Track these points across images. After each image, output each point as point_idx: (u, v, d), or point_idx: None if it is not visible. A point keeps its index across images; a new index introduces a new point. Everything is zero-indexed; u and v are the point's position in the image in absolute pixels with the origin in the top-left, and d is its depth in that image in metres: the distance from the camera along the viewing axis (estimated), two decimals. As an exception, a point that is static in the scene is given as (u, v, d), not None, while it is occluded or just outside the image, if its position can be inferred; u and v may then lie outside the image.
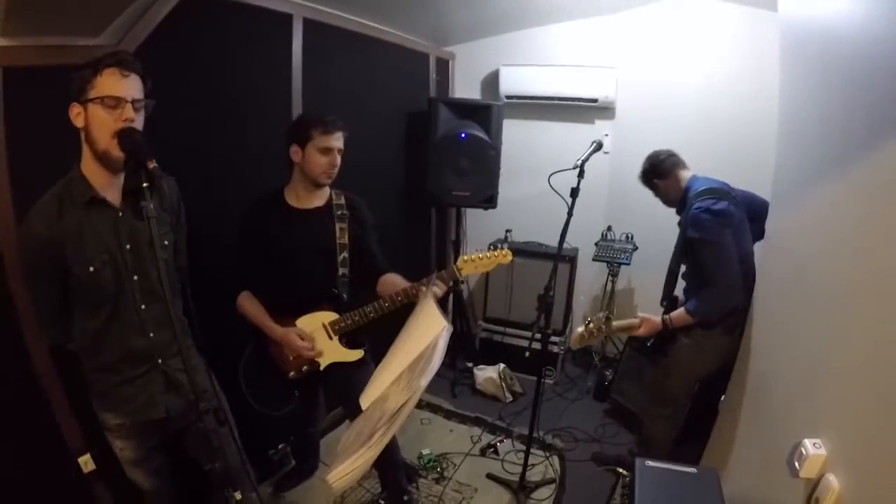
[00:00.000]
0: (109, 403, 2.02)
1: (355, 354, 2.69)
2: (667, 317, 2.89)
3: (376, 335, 2.72)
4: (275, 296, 2.64)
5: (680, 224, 3.00)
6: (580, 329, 2.87)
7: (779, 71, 2.65)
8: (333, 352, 2.66)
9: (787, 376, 2.26)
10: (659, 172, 3.08)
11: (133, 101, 1.74)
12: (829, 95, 2.07)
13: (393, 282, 2.66)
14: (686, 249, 2.90)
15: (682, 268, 3.08)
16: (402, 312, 2.50)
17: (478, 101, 4.75)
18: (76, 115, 1.73)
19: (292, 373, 2.65)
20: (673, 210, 3.14)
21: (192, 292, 1.86)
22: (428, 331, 1.83)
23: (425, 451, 3.65)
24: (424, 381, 1.47)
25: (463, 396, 4.49)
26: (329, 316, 2.64)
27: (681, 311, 2.85)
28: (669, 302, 3.09)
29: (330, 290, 2.66)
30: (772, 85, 2.77)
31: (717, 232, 2.76)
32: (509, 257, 2.61)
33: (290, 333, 2.56)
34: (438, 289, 2.45)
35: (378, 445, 1.45)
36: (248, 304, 2.60)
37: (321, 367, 2.66)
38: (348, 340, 2.69)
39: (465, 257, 2.57)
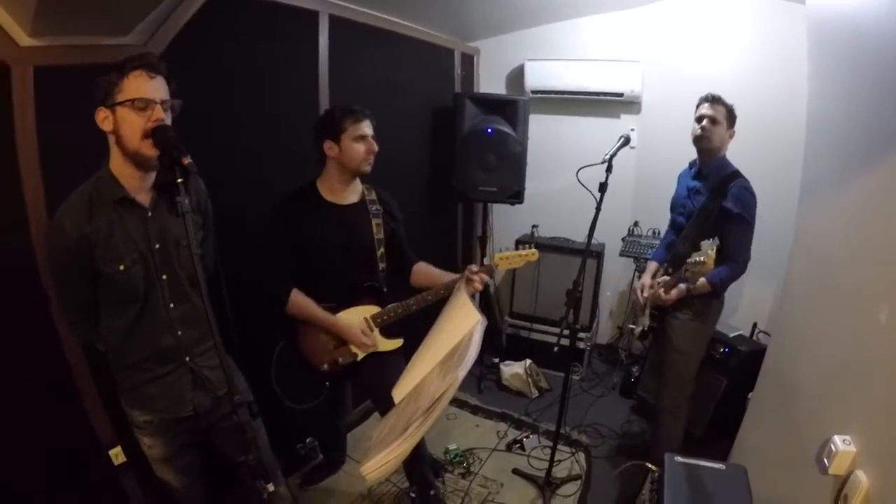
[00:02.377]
0: (137, 401, 2.04)
1: (396, 343, 2.76)
2: (692, 286, 2.87)
3: (406, 328, 2.77)
4: (313, 292, 2.65)
5: (705, 188, 3.00)
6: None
7: (807, 65, 2.62)
8: (376, 343, 2.72)
9: (816, 372, 2.24)
10: (735, 121, 3.00)
11: (161, 102, 1.75)
12: (858, 90, 2.05)
13: (428, 272, 2.81)
14: (709, 218, 2.88)
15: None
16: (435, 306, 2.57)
17: (504, 95, 4.75)
18: (103, 119, 1.74)
19: (325, 366, 2.67)
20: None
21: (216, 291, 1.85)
22: (461, 324, 1.83)
23: (451, 446, 3.66)
24: (462, 373, 1.47)
25: (489, 392, 4.50)
26: (371, 309, 2.70)
27: (703, 280, 2.83)
28: (674, 267, 3.03)
29: (371, 285, 2.72)
30: (799, 79, 2.75)
31: (753, 214, 2.85)
32: (536, 256, 2.81)
33: (354, 326, 2.63)
34: (479, 283, 2.60)
35: (413, 437, 1.45)
36: (304, 301, 2.60)
37: (358, 358, 2.70)
38: (386, 331, 2.74)
39: (501, 255, 2.72)
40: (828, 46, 2.39)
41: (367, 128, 2.57)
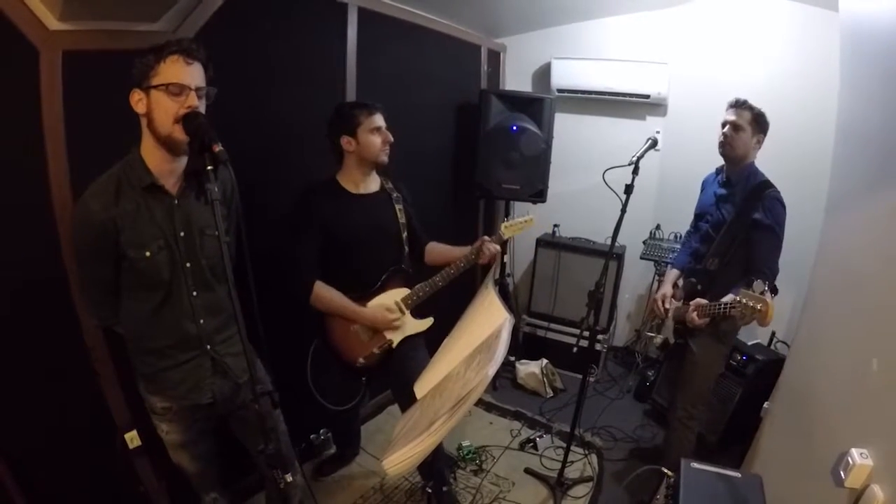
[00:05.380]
0: (156, 387, 2.05)
1: (427, 323, 2.84)
2: (741, 324, 2.81)
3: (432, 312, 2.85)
4: (344, 282, 2.68)
5: (733, 197, 2.92)
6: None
7: (838, 73, 2.59)
8: (407, 326, 2.79)
9: (836, 384, 2.22)
10: (765, 127, 2.89)
11: (196, 89, 1.75)
12: (891, 101, 2.02)
13: (441, 249, 2.97)
14: (738, 230, 2.84)
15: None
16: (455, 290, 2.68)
17: (530, 93, 4.72)
18: (137, 101, 1.74)
19: (362, 359, 2.71)
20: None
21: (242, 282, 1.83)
22: (488, 322, 1.83)
23: (465, 443, 3.67)
24: (491, 371, 1.47)
25: (504, 390, 4.50)
26: (401, 292, 2.77)
27: (729, 296, 2.70)
28: (703, 284, 2.98)
29: (399, 268, 2.79)
30: (829, 86, 2.72)
31: (783, 226, 2.77)
32: (532, 222, 3.05)
33: (379, 310, 2.68)
34: (489, 254, 2.82)
35: (438, 433, 1.45)
36: (327, 293, 2.63)
37: (394, 345, 2.76)
38: (416, 312, 2.83)
39: (505, 224, 2.97)
40: (861, 55, 2.37)
41: (380, 120, 2.63)
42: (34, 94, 1.95)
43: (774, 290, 2.49)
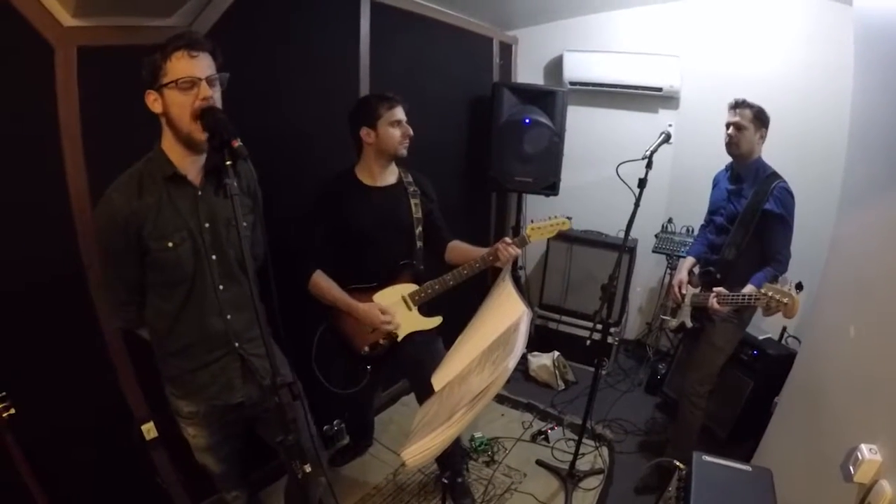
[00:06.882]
0: (184, 390, 2.04)
1: (434, 322, 2.80)
2: (765, 315, 2.89)
3: (445, 309, 2.83)
4: (353, 273, 2.71)
5: (744, 191, 3.03)
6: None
7: (852, 67, 2.58)
8: (412, 322, 2.76)
9: (846, 380, 2.23)
10: (767, 122, 2.98)
11: (207, 79, 1.74)
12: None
13: (462, 248, 2.87)
14: (751, 220, 2.94)
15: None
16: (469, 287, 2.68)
17: (542, 86, 4.71)
18: (153, 101, 1.74)
19: (366, 348, 2.73)
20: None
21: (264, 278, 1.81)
22: (506, 315, 1.84)
23: (477, 435, 3.69)
24: (512, 364, 1.48)
25: (516, 382, 4.49)
26: (408, 287, 2.75)
27: (750, 287, 2.87)
28: (721, 273, 3.08)
29: (409, 263, 2.77)
30: (843, 81, 2.71)
31: (793, 214, 2.91)
32: (567, 225, 2.83)
33: (372, 308, 2.65)
34: (507, 256, 2.66)
35: (458, 424, 1.46)
36: (325, 283, 2.65)
37: (399, 339, 2.75)
38: (424, 310, 2.80)
39: (532, 226, 2.79)
40: (876, 51, 2.35)
41: (400, 113, 2.62)
42: (50, 90, 1.97)
43: (800, 286, 2.59)
